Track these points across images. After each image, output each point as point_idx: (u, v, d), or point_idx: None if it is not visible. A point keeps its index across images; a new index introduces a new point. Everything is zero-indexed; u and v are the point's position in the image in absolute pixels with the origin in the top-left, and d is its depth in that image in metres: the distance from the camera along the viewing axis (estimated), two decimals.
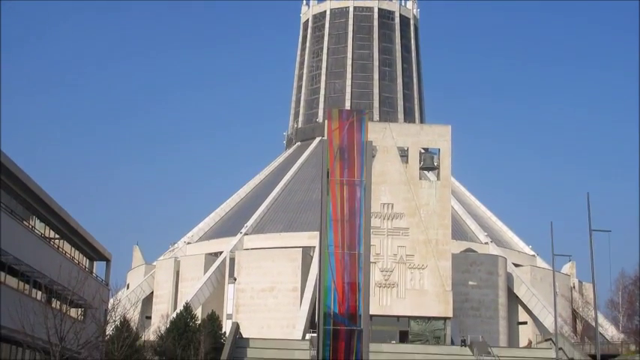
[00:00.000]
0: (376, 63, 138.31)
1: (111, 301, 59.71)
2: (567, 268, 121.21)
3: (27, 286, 48.88)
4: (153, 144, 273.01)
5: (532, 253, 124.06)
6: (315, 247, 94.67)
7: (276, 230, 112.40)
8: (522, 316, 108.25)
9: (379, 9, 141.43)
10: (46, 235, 53.59)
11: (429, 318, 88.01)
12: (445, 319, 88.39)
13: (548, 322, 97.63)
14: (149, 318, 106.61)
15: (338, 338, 38.46)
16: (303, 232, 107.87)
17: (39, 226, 52.32)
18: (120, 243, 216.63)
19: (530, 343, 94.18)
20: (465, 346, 79.60)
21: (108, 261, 66.32)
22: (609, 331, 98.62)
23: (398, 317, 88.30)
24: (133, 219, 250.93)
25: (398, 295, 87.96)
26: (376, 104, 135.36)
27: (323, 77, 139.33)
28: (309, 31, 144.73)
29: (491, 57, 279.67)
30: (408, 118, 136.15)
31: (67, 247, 57.36)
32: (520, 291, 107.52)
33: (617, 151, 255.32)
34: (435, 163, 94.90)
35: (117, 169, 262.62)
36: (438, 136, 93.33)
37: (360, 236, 39.60)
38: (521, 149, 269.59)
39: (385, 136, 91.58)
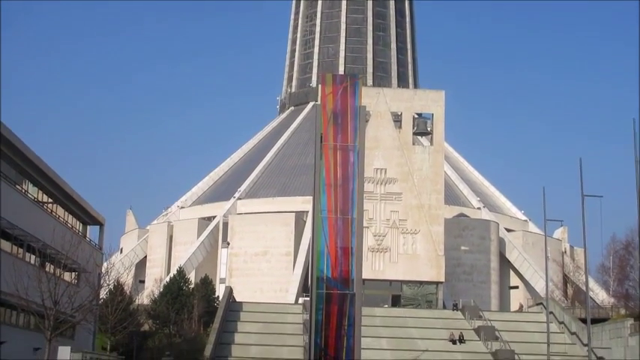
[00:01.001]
0: (370, 27, 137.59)
1: (104, 265, 59.96)
2: (559, 233, 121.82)
3: (21, 250, 49.01)
4: (147, 109, 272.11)
5: (524, 218, 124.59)
6: (308, 211, 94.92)
7: (270, 195, 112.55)
8: (514, 280, 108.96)
9: None
10: (40, 200, 53.62)
11: (422, 282, 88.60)
12: (437, 283, 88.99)
13: (540, 286, 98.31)
14: (143, 282, 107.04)
15: (331, 302, 38.67)
16: (297, 197, 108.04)
17: (32, 190, 52.33)
18: (113, 207, 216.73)
19: (521, 307, 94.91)
20: (457, 310, 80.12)
21: (101, 225, 66.43)
22: (600, 295, 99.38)
23: (390, 281, 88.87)
24: (126, 183, 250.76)
25: (391, 259, 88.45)
26: (370, 69, 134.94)
27: (316, 42, 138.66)
28: None
29: (485, 23, 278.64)
30: (402, 83, 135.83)
31: (60, 211, 57.42)
32: (512, 256, 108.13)
33: (610, 116, 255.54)
34: (429, 129, 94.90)
35: (110, 133, 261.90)
36: (432, 102, 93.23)
37: (354, 201, 39.67)
38: (514, 115, 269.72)
39: (379, 101, 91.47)
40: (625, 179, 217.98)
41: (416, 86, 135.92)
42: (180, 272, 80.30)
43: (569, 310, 78.55)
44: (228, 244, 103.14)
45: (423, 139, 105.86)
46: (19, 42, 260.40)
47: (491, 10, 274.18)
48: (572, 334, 71.29)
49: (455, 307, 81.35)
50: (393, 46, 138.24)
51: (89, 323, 52.82)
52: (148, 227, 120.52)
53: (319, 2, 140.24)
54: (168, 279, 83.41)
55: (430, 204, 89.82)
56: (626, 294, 78.25)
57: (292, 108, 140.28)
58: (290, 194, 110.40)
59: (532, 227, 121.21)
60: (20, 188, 49.31)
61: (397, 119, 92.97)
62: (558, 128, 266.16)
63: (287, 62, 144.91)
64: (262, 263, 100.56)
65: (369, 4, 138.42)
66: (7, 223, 44.86)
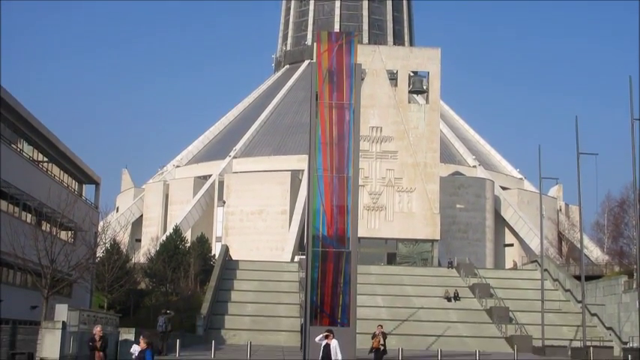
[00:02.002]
0: None
1: (100, 224, 60.01)
2: (554, 191, 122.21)
3: (17, 209, 49.05)
4: (143, 68, 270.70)
5: (520, 176, 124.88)
6: (304, 170, 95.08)
7: (265, 153, 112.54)
8: (509, 238, 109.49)
9: None
10: (35, 159, 53.54)
11: (417, 240, 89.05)
12: (432, 241, 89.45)
13: (534, 244, 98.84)
14: (139, 241, 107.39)
15: (326, 260, 38.75)
16: (292, 155, 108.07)
17: (27, 149, 52.22)
18: (109, 166, 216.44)
19: (515, 264, 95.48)
20: (452, 268, 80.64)
21: (97, 184, 66.43)
22: (594, 252, 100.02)
23: (386, 240, 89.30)
24: (122, 142, 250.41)
25: (386, 217, 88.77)
26: (365, 27, 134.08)
27: None
28: None
29: None
30: (398, 41, 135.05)
31: (55, 170, 57.37)
32: (507, 214, 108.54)
33: (607, 74, 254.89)
34: (424, 87, 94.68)
35: (106, 92, 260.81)
36: (428, 59, 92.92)
37: (349, 159, 39.57)
38: (510, 73, 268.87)
39: (374, 59, 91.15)
40: (621, 137, 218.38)
41: (412, 44, 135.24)
42: (177, 231, 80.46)
43: (563, 268, 79.07)
44: (224, 202, 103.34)
45: (419, 98, 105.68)
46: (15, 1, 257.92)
47: None
48: (567, 291, 71.83)
49: (450, 265, 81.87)
50: (389, 3, 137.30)
51: (86, 282, 53.07)
52: (143, 186, 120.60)
53: None
54: (164, 237, 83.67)
55: (426, 162, 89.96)
56: (620, 251, 78.76)
57: (287, 66, 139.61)
58: (285, 153, 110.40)
59: (527, 185, 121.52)
60: (15, 147, 49.21)
61: (393, 77, 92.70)
62: (555, 86, 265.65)
63: (282, 20, 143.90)
64: (258, 222, 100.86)
65: None
66: (2, 182, 44.83)
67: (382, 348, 31.12)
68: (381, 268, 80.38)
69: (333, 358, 27.28)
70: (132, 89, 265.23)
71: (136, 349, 22.33)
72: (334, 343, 27.33)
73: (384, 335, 31.29)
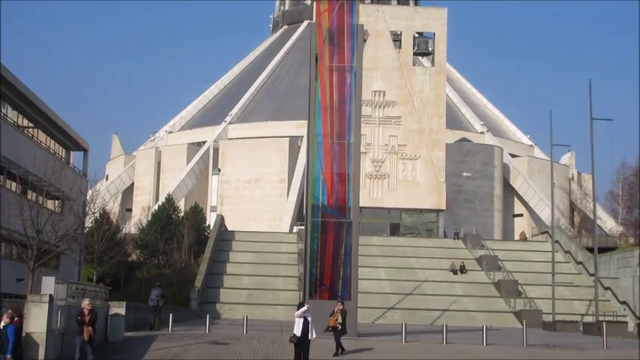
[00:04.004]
0: None
1: (89, 192, 59.98)
2: (566, 158, 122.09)
3: (1, 177, 48.94)
4: (134, 29, 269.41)
5: (530, 143, 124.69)
6: (302, 136, 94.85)
7: (262, 119, 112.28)
8: (518, 208, 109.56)
9: None
10: (20, 124, 53.32)
11: (422, 210, 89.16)
12: (438, 211, 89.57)
13: (545, 214, 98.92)
14: (130, 210, 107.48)
15: (327, 231, 38.74)
16: (291, 121, 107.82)
17: (11, 114, 51.95)
18: (98, 132, 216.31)
19: (523, 235, 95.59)
20: (458, 239, 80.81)
21: (85, 151, 66.26)
22: (608, 223, 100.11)
23: (389, 209, 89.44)
24: (111, 107, 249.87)
25: (389, 186, 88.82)
26: None
27: None
28: None
29: None
30: (402, 0, 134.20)
31: (42, 136, 57.17)
32: (516, 182, 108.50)
33: (621, 37, 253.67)
34: (430, 49, 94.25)
35: (95, 55, 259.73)
36: (433, 20, 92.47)
37: (350, 125, 39.43)
38: (520, 35, 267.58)
39: (377, 20, 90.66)
40: (636, 103, 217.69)
41: (417, 4, 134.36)
42: (169, 200, 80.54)
43: (575, 239, 79.21)
44: (219, 170, 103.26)
45: (424, 60, 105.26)
46: None
47: None
48: (579, 263, 72.00)
49: (456, 236, 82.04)
50: None
51: (74, 253, 53.03)
52: (134, 153, 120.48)
53: None
54: (156, 207, 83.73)
55: (431, 128, 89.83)
56: (635, 222, 78.71)
57: (286, 27, 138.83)
58: (284, 118, 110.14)
59: (538, 152, 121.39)
60: None
61: (397, 39, 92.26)
62: (567, 48, 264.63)
63: None
64: (255, 190, 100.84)
65: None
66: None
67: (339, 327, 30.17)
68: (383, 239, 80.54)
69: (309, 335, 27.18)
70: (123, 51, 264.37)
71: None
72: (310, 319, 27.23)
73: (344, 313, 30.51)
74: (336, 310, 30.90)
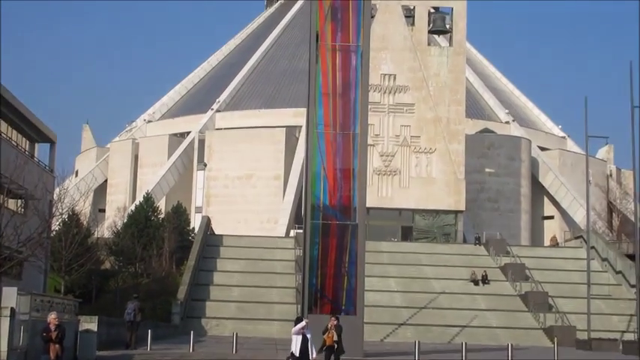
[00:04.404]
0: None
1: (56, 190, 59.97)
2: (603, 152, 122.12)
3: None
4: (108, 2, 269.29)
5: (562, 134, 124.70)
6: (301, 126, 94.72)
7: (255, 106, 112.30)
8: (548, 209, 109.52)
9: None
10: None
11: (437, 211, 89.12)
12: (456, 212, 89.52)
13: (579, 216, 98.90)
14: (103, 211, 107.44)
15: (328, 235, 38.77)
16: (288, 109, 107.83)
17: None
18: (67, 122, 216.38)
19: (554, 240, 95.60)
20: (480, 245, 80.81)
21: (52, 143, 66.22)
22: None
23: (400, 210, 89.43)
24: (82, 92, 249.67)
25: (400, 184, 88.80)
26: None
27: None
28: None
29: None
30: None
31: (2, 126, 57.19)
32: (546, 180, 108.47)
33: None
34: (447, 26, 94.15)
35: (63, 32, 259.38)
36: None
37: (356, 113, 39.47)
38: (551, 11, 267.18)
39: None
40: None
41: None
42: (148, 199, 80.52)
43: (614, 245, 79.19)
44: (206, 165, 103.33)
45: (441, 39, 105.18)
46: None
47: None
48: (618, 273, 72.02)
49: (477, 242, 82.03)
50: None
51: (39, 260, 53.01)
52: (108, 145, 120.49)
53: None
54: (133, 207, 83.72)
55: (449, 117, 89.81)
56: None
57: (282, 1, 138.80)
58: (279, 105, 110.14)
59: (571, 145, 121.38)
60: None
61: (409, 14, 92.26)
62: (605, 26, 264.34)
63: None
64: (246, 189, 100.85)
65: None
66: None
67: (337, 346, 30.08)
68: (394, 244, 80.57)
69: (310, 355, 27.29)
70: (94, 28, 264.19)
71: None
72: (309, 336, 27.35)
73: (340, 329, 30.40)
74: (329, 325, 30.77)
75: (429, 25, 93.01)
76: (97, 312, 41.19)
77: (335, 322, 30.87)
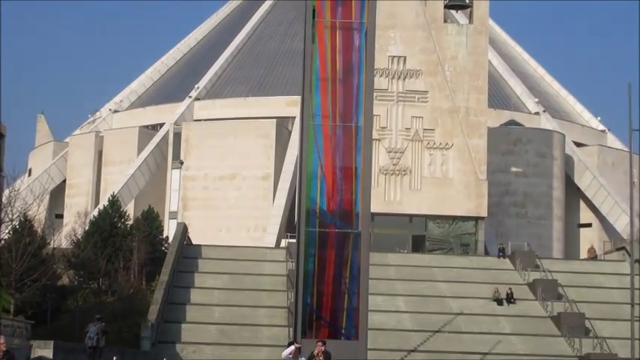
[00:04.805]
0: None
1: (6, 192, 59.87)
2: None
3: None
4: None
5: (601, 127, 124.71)
6: (295, 117, 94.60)
7: (240, 94, 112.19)
8: (585, 215, 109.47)
9: None
10: None
11: (455, 218, 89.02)
12: (477, 219, 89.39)
13: (622, 223, 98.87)
14: (60, 217, 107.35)
15: (326, 245, 38.70)
16: (279, 97, 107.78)
17: None
18: (18, 112, 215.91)
19: (592, 252, 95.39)
20: (504, 258, 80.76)
21: (1, 136, 66.19)
22: None
23: (410, 216, 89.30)
24: (35, 76, 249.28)
25: (411, 185, 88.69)
26: None
27: None
28: None
29: None
30: None
31: None
32: (583, 181, 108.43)
33: None
34: (467, 0, 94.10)
35: (15, 8, 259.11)
36: None
37: (359, 102, 39.44)
38: None
39: None
40: None
41: None
42: (114, 203, 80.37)
43: None
44: (182, 163, 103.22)
45: (459, 16, 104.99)
46: None
47: None
48: None
49: (501, 253, 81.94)
50: None
51: None
52: (67, 139, 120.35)
53: None
54: (96, 212, 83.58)
55: (468, 107, 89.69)
56: None
57: None
58: (269, 93, 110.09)
59: (612, 141, 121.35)
60: None
61: None
62: None
63: None
64: (230, 190, 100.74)
65: None
66: None
67: None
68: (403, 257, 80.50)
69: None
70: (53, 3, 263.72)
71: None
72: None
73: (328, 355, 30.49)
74: (316, 352, 30.88)
75: None
76: (52, 336, 41.17)
77: (322, 348, 31.01)
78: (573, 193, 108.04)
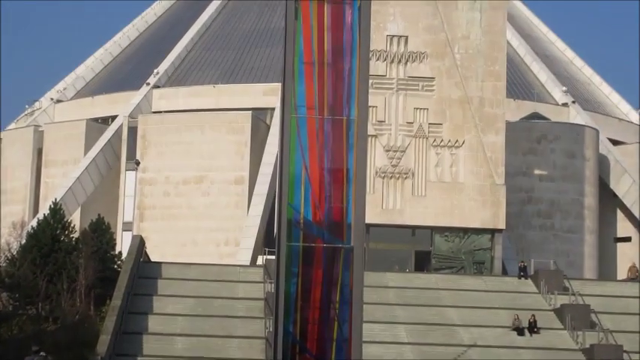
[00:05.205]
0: None
1: None
2: None
3: None
4: None
5: None
6: (274, 108, 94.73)
7: (208, 81, 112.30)
8: (624, 227, 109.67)
9: None
10: None
11: (467, 230, 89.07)
12: (493, 232, 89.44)
13: None
14: None
15: (312, 263, 38.71)
16: (254, 85, 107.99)
17: None
18: None
19: (633, 271, 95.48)
20: (526, 278, 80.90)
21: None
22: None
23: (413, 228, 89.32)
24: None
25: (414, 191, 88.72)
26: None
27: None
28: None
29: None
30: None
31: None
32: (621, 186, 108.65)
33: None
34: None
35: None
36: None
37: (352, 91, 39.47)
38: None
39: None
40: None
41: None
42: (56, 212, 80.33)
43: None
44: (138, 163, 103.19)
45: None
46: None
47: None
48: None
49: (522, 273, 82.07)
50: None
51: None
52: (0, 134, 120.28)
53: None
54: (35, 223, 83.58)
55: (482, 97, 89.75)
56: None
57: None
58: (243, 80, 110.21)
59: None
60: None
61: None
62: None
63: None
64: (196, 197, 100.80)
65: None
66: None
67: None
68: (404, 277, 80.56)
69: None
70: None
71: None
72: None
73: None
74: None
75: None
76: None
77: None
78: (609, 201, 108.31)
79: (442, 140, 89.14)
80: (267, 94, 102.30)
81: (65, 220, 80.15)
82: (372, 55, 75.48)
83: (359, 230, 38.87)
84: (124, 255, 78.97)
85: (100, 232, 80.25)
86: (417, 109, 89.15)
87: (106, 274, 74.55)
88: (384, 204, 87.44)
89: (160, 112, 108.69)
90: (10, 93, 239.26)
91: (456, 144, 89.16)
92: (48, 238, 75.77)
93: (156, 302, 71.64)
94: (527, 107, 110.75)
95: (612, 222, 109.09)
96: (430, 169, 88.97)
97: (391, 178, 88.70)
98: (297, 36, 39.68)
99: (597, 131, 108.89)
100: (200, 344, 65.19)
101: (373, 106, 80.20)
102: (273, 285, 52.22)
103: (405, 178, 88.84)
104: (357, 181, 38.92)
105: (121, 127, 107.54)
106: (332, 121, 39.20)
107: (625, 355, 65.52)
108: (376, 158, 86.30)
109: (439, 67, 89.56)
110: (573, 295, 74.92)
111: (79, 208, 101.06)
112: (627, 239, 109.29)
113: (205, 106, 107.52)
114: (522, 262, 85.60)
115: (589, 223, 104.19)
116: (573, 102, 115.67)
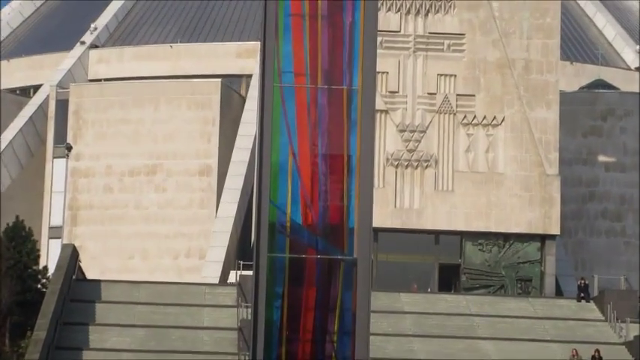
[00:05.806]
0: None
1: None
2: None
3: None
4: None
5: None
6: (251, 75, 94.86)
7: (163, 39, 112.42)
8: None
9: None
10: None
11: (508, 236, 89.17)
12: (544, 238, 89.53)
13: None
14: None
15: (302, 280, 38.68)
16: (225, 44, 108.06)
17: None
18: None
19: None
20: (588, 300, 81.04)
21: None
22: None
23: (437, 234, 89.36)
24: None
25: (438, 184, 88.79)
26: None
27: None
28: None
29: None
30: None
31: None
32: None
33: None
34: None
35: None
36: None
37: (355, 53, 39.55)
38: None
39: None
40: None
41: None
42: None
43: None
44: (70, 149, 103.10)
45: None
46: None
47: None
48: None
49: (583, 294, 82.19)
50: None
51: None
52: None
53: None
54: None
55: (529, 59, 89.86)
56: None
57: None
58: (210, 38, 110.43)
59: None
60: None
61: None
62: None
63: None
64: (147, 193, 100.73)
65: None
66: None
67: None
68: (425, 299, 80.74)
69: None
70: None
71: None
72: None
73: None
74: None
75: None
76: None
77: None
78: None
79: (475, 117, 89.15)
80: (241, 57, 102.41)
81: None
82: (382, 5, 75.52)
83: (364, 237, 38.92)
84: (51, 271, 78.95)
85: (19, 241, 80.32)
86: (442, 75, 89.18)
87: (26, 296, 74.71)
88: (398, 202, 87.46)
89: (99, 80, 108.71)
90: None
91: (494, 122, 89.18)
92: None
93: (93, 334, 71.64)
94: (590, 72, 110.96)
95: None
96: (459, 155, 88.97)
97: (407, 167, 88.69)
98: None
99: None
100: None
101: (383, 72, 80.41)
102: (249, 310, 52.34)
103: (426, 167, 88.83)
104: (362, 171, 38.96)
105: (46, 99, 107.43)
106: (328, 91, 39.19)
107: None
108: (387, 141, 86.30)
109: (471, 20, 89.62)
110: None
111: None
112: None
113: (160, 72, 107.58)
114: (583, 279, 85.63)
115: None
116: None
